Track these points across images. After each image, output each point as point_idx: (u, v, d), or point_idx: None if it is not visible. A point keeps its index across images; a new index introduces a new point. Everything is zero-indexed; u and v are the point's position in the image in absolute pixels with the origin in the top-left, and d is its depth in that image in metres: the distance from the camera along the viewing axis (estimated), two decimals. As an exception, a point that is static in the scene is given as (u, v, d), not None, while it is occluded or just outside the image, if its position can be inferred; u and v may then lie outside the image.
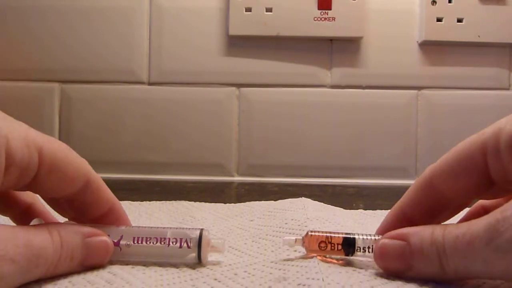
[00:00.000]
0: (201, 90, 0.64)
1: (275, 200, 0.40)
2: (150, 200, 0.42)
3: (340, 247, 0.23)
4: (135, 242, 0.23)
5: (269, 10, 0.62)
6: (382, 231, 0.24)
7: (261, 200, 0.41)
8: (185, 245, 0.23)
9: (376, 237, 0.23)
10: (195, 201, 0.41)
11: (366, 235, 0.23)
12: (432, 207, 0.23)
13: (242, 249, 0.27)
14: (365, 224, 0.33)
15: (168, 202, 0.41)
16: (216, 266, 0.23)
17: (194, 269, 0.23)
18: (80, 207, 0.24)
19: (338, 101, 0.64)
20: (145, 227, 0.24)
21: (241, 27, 0.62)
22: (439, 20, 0.61)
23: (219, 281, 0.21)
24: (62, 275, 0.21)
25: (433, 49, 0.64)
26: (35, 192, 0.23)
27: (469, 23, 0.61)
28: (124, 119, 0.64)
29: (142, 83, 0.65)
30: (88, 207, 0.24)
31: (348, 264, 0.23)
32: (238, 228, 0.32)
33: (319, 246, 0.23)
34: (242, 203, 0.40)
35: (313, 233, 0.24)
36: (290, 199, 0.38)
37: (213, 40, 0.65)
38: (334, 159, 0.64)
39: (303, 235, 0.24)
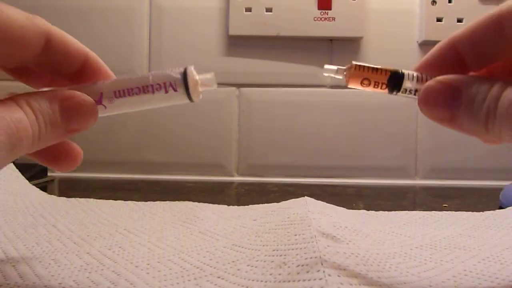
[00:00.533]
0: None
1: (275, 200, 0.40)
2: (150, 200, 0.42)
3: (384, 86, 0.21)
4: (118, 96, 0.21)
5: (269, 10, 0.62)
6: (424, 65, 0.22)
7: (261, 200, 0.41)
8: (170, 89, 0.21)
9: (422, 76, 0.20)
10: (194, 201, 0.41)
11: (418, 74, 0.21)
12: (491, 49, 0.20)
13: (245, 245, 0.27)
14: (366, 223, 0.33)
15: (172, 202, 0.41)
16: (219, 264, 0.23)
17: (197, 267, 0.23)
18: (50, 70, 0.22)
19: (338, 101, 0.64)
20: (124, 77, 0.22)
21: (241, 27, 0.62)
22: (439, 20, 0.61)
23: (222, 278, 0.21)
24: (67, 274, 0.21)
25: (433, 49, 0.64)
26: None
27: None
28: (124, 119, 0.64)
29: (142, 83, 0.65)
30: (58, 67, 0.22)
31: (347, 244, 0.23)
32: (241, 227, 0.32)
33: (361, 83, 0.21)
34: (245, 206, 0.40)
35: (357, 65, 0.21)
36: (292, 199, 0.39)
37: (213, 40, 0.65)
38: (334, 159, 0.64)
39: (346, 67, 0.22)
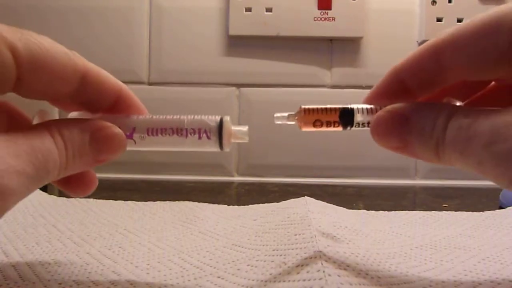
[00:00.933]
0: (201, 90, 0.64)
1: (275, 200, 0.40)
2: (150, 200, 0.42)
3: (337, 124, 0.21)
4: (150, 134, 0.21)
5: (269, 10, 0.62)
6: (372, 96, 0.22)
7: (261, 200, 0.41)
8: (204, 136, 0.21)
9: (372, 107, 0.21)
10: (194, 201, 0.41)
11: (367, 107, 0.22)
12: (432, 77, 0.20)
13: (245, 245, 0.27)
14: (366, 223, 0.33)
15: (172, 202, 0.41)
16: (219, 264, 0.23)
17: (197, 267, 0.23)
18: (84, 102, 0.22)
19: (338, 101, 0.64)
20: (159, 116, 0.22)
21: (241, 27, 0.62)
22: (439, 20, 0.61)
23: (222, 278, 0.21)
24: (67, 274, 0.21)
25: (432, 49, 0.64)
26: (25, 96, 0.19)
27: (469, 23, 0.61)
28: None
29: (142, 83, 0.65)
30: (93, 101, 0.22)
31: (347, 244, 0.23)
32: (241, 227, 0.32)
33: (314, 124, 0.22)
34: (246, 206, 0.40)
35: (305, 109, 0.22)
36: (292, 199, 0.39)
37: (213, 40, 0.65)
38: (334, 159, 0.64)
39: (296, 112, 0.22)
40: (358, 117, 0.21)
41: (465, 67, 0.19)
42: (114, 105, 0.22)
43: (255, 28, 0.62)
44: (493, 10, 0.17)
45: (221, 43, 0.64)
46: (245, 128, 0.22)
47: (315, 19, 0.61)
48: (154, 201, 0.42)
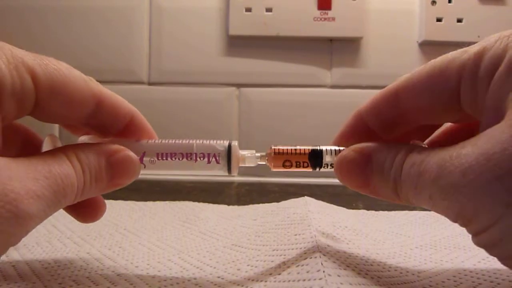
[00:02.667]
0: (201, 90, 0.64)
1: (275, 200, 0.40)
2: (150, 200, 0.42)
3: (306, 164, 0.22)
4: (160, 158, 0.22)
5: (269, 10, 0.62)
6: (339, 137, 0.23)
7: (261, 200, 0.41)
8: (213, 160, 0.22)
9: (341, 149, 0.22)
10: (194, 201, 0.41)
11: (336, 148, 0.22)
12: (392, 120, 0.21)
13: (245, 245, 0.27)
14: (366, 223, 0.33)
15: (172, 202, 0.41)
16: (219, 264, 0.23)
17: (197, 267, 0.23)
18: (97, 127, 0.22)
19: (338, 101, 0.64)
20: (168, 140, 0.22)
21: (241, 27, 0.62)
22: (439, 20, 0.61)
23: (222, 278, 0.21)
24: (67, 274, 0.21)
25: (433, 49, 0.64)
26: (41, 119, 0.20)
27: (469, 23, 0.61)
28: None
29: (142, 83, 0.65)
30: (105, 125, 0.22)
31: (347, 244, 0.23)
32: (241, 227, 0.32)
33: (283, 165, 0.22)
34: (246, 206, 0.40)
35: (276, 149, 0.22)
36: (292, 199, 0.39)
37: (213, 40, 0.65)
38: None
39: (266, 152, 0.23)
40: (327, 158, 0.22)
41: (420, 109, 0.20)
42: (125, 129, 0.23)
43: (255, 28, 0.62)
44: (442, 56, 0.19)
45: (221, 43, 0.64)
46: (251, 153, 0.23)
47: (315, 19, 0.61)
48: (154, 201, 0.42)
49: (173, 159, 0.22)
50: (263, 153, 0.23)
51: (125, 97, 0.23)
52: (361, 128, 0.22)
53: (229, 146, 0.22)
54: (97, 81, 0.23)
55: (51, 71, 0.18)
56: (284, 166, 0.22)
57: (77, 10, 0.64)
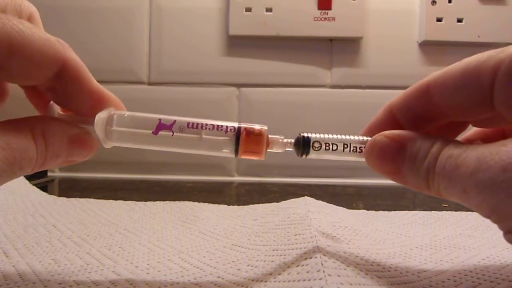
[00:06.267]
0: (201, 90, 0.64)
1: (275, 200, 0.40)
2: (150, 200, 0.42)
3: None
4: (190, 127, 0.23)
5: (269, 10, 0.62)
6: (367, 130, 0.23)
7: (261, 200, 0.41)
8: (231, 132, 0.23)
9: (364, 138, 0.22)
10: (194, 201, 0.41)
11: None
12: (422, 115, 0.21)
13: (245, 245, 0.27)
14: (366, 223, 0.33)
15: (172, 202, 0.41)
16: (219, 264, 0.23)
17: (197, 267, 0.23)
18: (62, 99, 0.22)
19: (338, 101, 0.64)
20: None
21: (241, 27, 0.62)
22: (439, 20, 0.61)
23: (222, 278, 0.21)
24: (67, 274, 0.21)
25: (433, 49, 0.64)
26: (2, 79, 0.20)
27: (469, 23, 0.61)
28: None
29: (142, 83, 0.65)
30: (71, 99, 0.22)
31: (347, 244, 0.23)
32: (241, 227, 0.32)
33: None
34: (246, 206, 0.40)
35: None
36: (292, 199, 0.39)
37: (213, 40, 0.65)
38: (334, 159, 0.64)
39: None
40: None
41: (451, 106, 0.20)
42: (93, 110, 0.22)
43: (255, 28, 0.62)
44: (477, 54, 0.19)
45: (221, 43, 0.64)
46: (282, 139, 0.24)
47: (315, 19, 0.61)
48: (154, 201, 0.42)
49: (204, 128, 0.23)
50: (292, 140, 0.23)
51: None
52: (390, 122, 0.22)
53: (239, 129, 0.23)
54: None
55: (8, 29, 0.18)
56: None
57: (77, 10, 0.64)
